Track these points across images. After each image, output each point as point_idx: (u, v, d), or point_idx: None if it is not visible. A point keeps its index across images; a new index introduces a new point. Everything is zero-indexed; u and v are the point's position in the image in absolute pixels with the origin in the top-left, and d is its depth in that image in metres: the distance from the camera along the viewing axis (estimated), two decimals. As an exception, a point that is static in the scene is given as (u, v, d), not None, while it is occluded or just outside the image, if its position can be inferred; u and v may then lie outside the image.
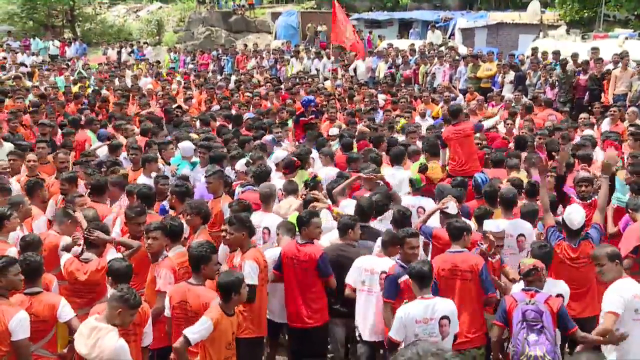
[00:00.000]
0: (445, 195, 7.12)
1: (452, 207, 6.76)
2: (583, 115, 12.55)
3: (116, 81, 18.39)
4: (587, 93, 15.32)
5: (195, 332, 4.90)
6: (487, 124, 10.47)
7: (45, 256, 6.05)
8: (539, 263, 5.48)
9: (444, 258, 6.06)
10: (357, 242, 6.46)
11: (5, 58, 23.32)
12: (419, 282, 5.41)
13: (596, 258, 5.46)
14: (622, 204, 7.51)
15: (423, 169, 8.93)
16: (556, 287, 5.78)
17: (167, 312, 5.50)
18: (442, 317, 5.35)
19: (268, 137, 10.42)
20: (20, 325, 4.84)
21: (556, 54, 17.08)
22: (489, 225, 6.35)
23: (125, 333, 4.96)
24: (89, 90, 16.74)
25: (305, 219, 6.29)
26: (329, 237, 6.70)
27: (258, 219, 6.89)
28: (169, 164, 9.28)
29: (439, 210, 6.95)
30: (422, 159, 9.43)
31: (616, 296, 5.19)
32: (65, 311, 5.20)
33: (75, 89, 16.59)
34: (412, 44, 22.00)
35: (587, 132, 11.30)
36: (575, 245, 6.29)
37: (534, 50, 18.29)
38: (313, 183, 7.88)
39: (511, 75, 16.75)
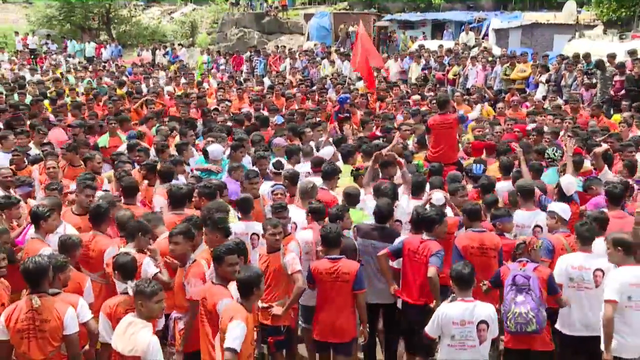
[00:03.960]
0: (455, 182, 7.64)
1: (437, 198, 6.94)
2: (626, 114, 12.30)
3: (143, 86, 17.74)
4: (624, 94, 15.04)
5: (234, 338, 4.79)
6: (472, 115, 11.27)
7: (94, 257, 6.20)
8: (527, 238, 6.14)
9: (470, 236, 6.43)
10: (349, 229, 6.64)
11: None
12: (458, 283, 5.45)
13: (607, 242, 5.74)
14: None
15: None
16: (599, 260, 5.84)
17: None
18: (480, 322, 5.34)
19: (279, 140, 10.20)
20: (72, 319, 5.03)
21: (586, 57, 16.75)
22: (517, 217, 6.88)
23: None
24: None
25: None
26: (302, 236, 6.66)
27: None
28: (188, 164, 9.27)
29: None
30: None
31: (614, 283, 5.49)
32: (83, 312, 5.24)
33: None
34: (441, 45, 21.88)
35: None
36: None
37: (587, 56, 17.50)
38: (357, 174, 8.15)
39: (545, 76, 16.57)
